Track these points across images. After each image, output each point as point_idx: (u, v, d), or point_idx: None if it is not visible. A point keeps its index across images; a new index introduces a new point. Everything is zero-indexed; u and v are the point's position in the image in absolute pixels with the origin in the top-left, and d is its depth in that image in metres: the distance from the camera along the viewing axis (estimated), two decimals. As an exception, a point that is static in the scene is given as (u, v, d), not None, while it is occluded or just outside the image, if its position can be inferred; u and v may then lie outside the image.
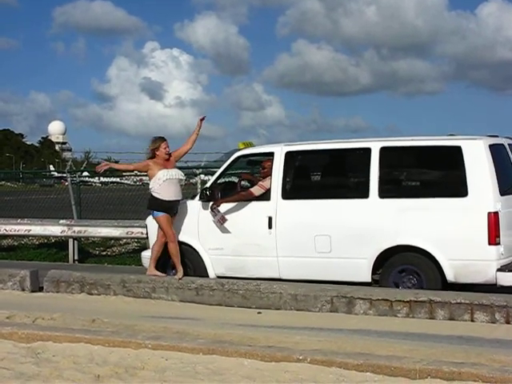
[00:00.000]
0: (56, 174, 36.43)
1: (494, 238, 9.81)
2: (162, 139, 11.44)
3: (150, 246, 11.97)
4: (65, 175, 20.97)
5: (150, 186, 11.34)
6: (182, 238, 11.57)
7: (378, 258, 10.41)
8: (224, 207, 11.28)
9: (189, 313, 10.17)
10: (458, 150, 10.19)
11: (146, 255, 12.06)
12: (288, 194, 11.01)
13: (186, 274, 11.35)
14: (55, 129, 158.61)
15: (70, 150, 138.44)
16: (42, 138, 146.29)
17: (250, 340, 7.97)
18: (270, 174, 11.18)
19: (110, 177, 35.03)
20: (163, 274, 11.36)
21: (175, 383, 6.13)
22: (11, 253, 19.19)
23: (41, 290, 11.99)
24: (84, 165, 24.53)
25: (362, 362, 6.30)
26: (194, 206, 11.64)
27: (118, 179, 33.16)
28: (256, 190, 11.24)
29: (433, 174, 10.94)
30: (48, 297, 11.64)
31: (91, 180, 32.81)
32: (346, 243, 10.52)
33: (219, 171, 11.87)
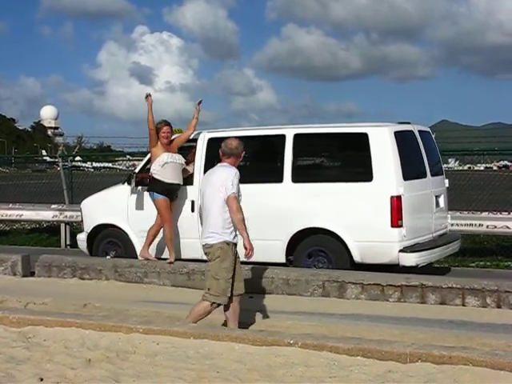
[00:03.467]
0: (48, 158, 36.38)
1: (396, 220, 10.27)
2: (165, 123, 11.33)
3: (85, 229, 12.52)
4: (57, 160, 20.92)
5: (152, 168, 11.27)
6: (113, 220, 12.11)
7: (291, 240, 10.84)
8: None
9: (180, 297, 10.17)
10: (364, 137, 10.60)
11: (81, 238, 12.68)
12: None
13: (117, 255, 11.99)
14: (47, 113, 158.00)
15: (61, 135, 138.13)
16: (34, 122, 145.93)
17: (241, 324, 7.98)
18: (194, 160, 11.56)
19: (103, 162, 34.97)
20: (155, 259, 11.36)
21: (166, 367, 6.13)
22: (3, 238, 19.18)
23: (32, 274, 11.97)
24: (76, 149, 24.46)
25: (352, 346, 6.30)
26: (124, 190, 12.04)
27: (110, 164, 33.13)
28: None
29: (342, 159, 11.60)
30: (40, 281, 11.63)
31: (83, 165, 32.76)
32: (262, 226, 10.66)
33: (146, 158, 12.14)
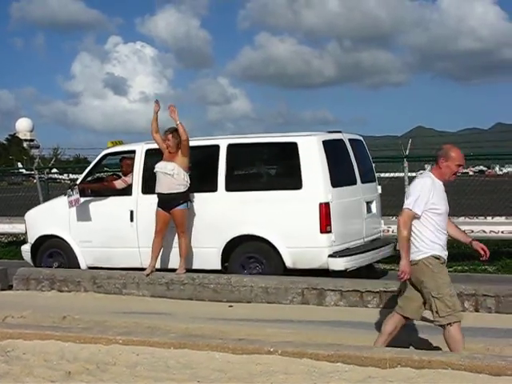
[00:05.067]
0: (24, 171, 36.08)
1: (325, 226, 10.64)
2: (168, 131, 11.07)
3: (29, 240, 12.95)
4: (33, 172, 20.81)
5: None
6: (55, 231, 12.45)
7: (226, 247, 11.14)
8: (91, 202, 12.12)
9: (160, 308, 10.16)
10: (294, 146, 10.98)
11: (25, 249, 13.10)
12: (147, 188, 11.61)
13: (60, 265, 12.35)
14: (23, 126, 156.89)
15: (37, 148, 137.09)
16: (10, 135, 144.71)
17: (221, 333, 8.00)
18: (132, 171, 11.84)
19: (79, 173, 34.73)
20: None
21: (147, 378, 6.11)
22: (-20, 251, 19.00)
23: (10, 288, 11.90)
24: (52, 161, 24.38)
25: (332, 352, 6.32)
26: (65, 201, 12.23)
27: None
28: (118, 183, 12.11)
29: (273, 168, 12.17)
30: (18, 295, 11.56)
31: (60, 177, 32.53)
32: (198, 234, 11.24)
33: (87, 169, 12.79)
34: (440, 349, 7.28)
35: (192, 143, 11.66)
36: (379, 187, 12.58)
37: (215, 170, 11.27)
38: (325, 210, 10.60)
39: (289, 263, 10.80)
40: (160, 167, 11.04)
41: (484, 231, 13.43)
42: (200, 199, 11.30)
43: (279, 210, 10.85)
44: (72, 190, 11.98)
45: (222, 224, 11.09)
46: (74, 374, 6.28)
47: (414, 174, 19.47)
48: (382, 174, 18.52)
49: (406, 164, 15.60)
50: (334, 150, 11.18)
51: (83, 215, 12.13)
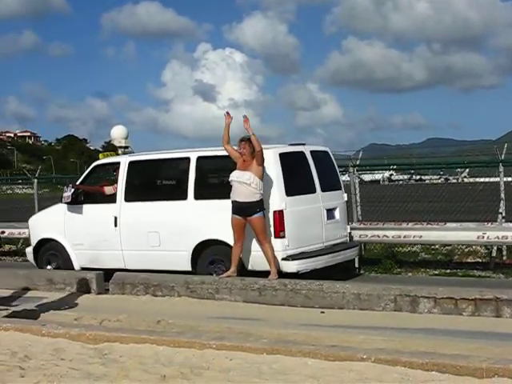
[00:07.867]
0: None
1: (278, 232, 11.53)
2: (241, 139, 11.41)
3: (31, 243, 14.14)
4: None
5: None
6: (52, 235, 13.71)
7: (194, 250, 12.11)
8: (82, 208, 13.28)
9: (252, 313, 10.22)
10: None
11: (29, 251, 14.28)
12: (129, 197, 12.92)
13: (57, 266, 13.55)
14: (118, 133, 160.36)
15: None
16: (105, 142, 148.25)
17: (313, 339, 7.96)
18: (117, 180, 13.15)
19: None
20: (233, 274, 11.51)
21: (240, 383, 6.16)
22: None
23: (107, 292, 12.18)
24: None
25: (427, 361, 6.23)
26: (61, 208, 13.57)
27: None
28: (107, 190, 13.36)
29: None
30: (114, 299, 11.81)
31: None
32: (170, 238, 12.29)
33: (81, 178, 13.91)
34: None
35: (166, 155, 13.18)
36: (345, 195, 13.28)
37: (186, 180, 12.30)
38: (278, 217, 11.48)
39: (248, 265, 11.73)
40: (236, 176, 11.30)
41: None
42: (171, 206, 12.37)
43: None
44: (67, 187, 13.25)
45: (190, 229, 12.06)
46: (169, 378, 6.38)
47: (510, 179, 19.08)
48: (477, 179, 18.16)
49: (501, 169, 15.25)
50: (291, 162, 12.04)
51: (76, 220, 13.34)
